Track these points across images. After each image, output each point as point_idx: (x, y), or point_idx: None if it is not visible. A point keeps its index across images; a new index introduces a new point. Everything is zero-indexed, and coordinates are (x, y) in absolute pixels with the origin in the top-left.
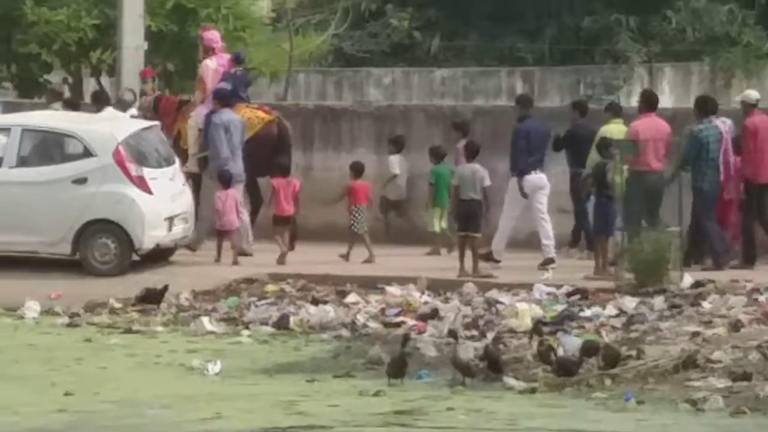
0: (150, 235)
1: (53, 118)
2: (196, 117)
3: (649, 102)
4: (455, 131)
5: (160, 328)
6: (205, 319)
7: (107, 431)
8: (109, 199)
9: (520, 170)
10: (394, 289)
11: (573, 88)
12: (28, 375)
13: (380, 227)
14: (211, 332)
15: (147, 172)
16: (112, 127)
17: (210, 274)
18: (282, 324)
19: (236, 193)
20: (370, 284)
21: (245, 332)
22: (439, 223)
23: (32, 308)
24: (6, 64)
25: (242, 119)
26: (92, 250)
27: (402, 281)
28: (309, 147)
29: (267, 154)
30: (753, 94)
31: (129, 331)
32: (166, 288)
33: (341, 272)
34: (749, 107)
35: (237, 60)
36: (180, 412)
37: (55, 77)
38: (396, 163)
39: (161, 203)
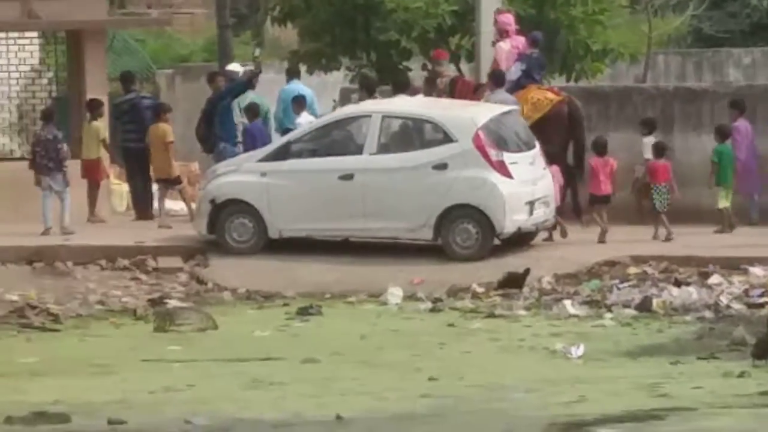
0: (511, 220)
1: (412, 105)
2: (495, 99)
3: None
4: (731, 109)
5: (522, 312)
6: (567, 303)
7: (473, 416)
8: (469, 184)
9: None
10: (757, 270)
11: None
12: (393, 361)
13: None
14: (574, 315)
15: (507, 157)
16: (472, 112)
17: (571, 257)
18: (645, 306)
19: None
20: (733, 265)
21: (608, 315)
22: (724, 200)
23: (395, 294)
24: (366, 52)
25: (532, 100)
26: (453, 235)
27: (764, 261)
28: (669, 129)
29: (560, 133)
30: None
31: (492, 315)
32: (527, 272)
33: (704, 253)
34: None
35: (534, 42)
36: (544, 395)
37: (414, 64)
38: (648, 145)
39: (522, 187)
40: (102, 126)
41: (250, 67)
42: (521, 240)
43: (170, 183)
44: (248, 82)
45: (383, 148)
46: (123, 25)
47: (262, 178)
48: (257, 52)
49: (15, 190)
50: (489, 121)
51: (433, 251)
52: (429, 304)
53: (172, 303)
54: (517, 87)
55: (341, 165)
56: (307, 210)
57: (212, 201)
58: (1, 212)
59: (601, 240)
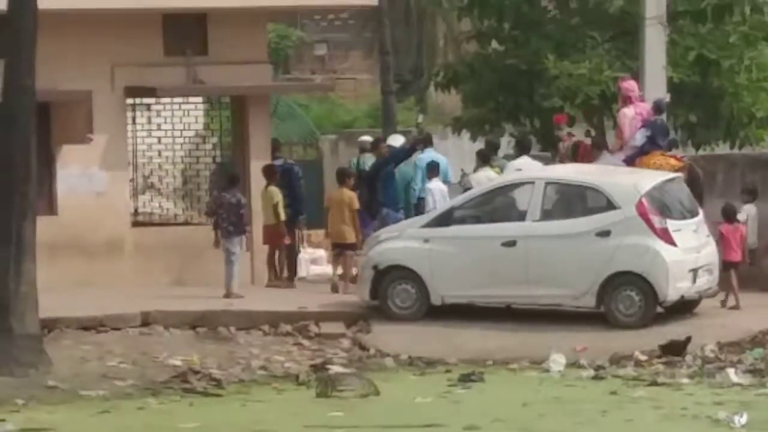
0: (675, 287)
1: (575, 171)
2: (604, 161)
3: None
4: None
5: (685, 381)
6: (730, 371)
7: None
8: (633, 252)
9: None
10: None
11: None
12: (555, 429)
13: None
14: (737, 384)
15: (671, 224)
16: (635, 179)
17: (735, 325)
18: None
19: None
20: None
21: None
22: None
23: (558, 361)
24: (529, 118)
25: (654, 166)
26: (617, 302)
27: None
28: None
29: None
30: None
31: (654, 383)
32: (689, 339)
33: None
34: None
35: (658, 109)
36: None
37: (577, 130)
38: (747, 211)
39: (685, 255)
40: (277, 191)
41: (414, 134)
42: (684, 307)
43: (347, 248)
44: (412, 149)
45: (546, 215)
46: (287, 91)
47: (425, 245)
48: (420, 118)
49: (179, 255)
50: (652, 188)
51: (596, 318)
52: (591, 372)
53: (335, 369)
54: (641, 153)
55: (504, 232)
56: (469, 276)
57: (375, 267)
58: (165, 276)
59: (735, 306)
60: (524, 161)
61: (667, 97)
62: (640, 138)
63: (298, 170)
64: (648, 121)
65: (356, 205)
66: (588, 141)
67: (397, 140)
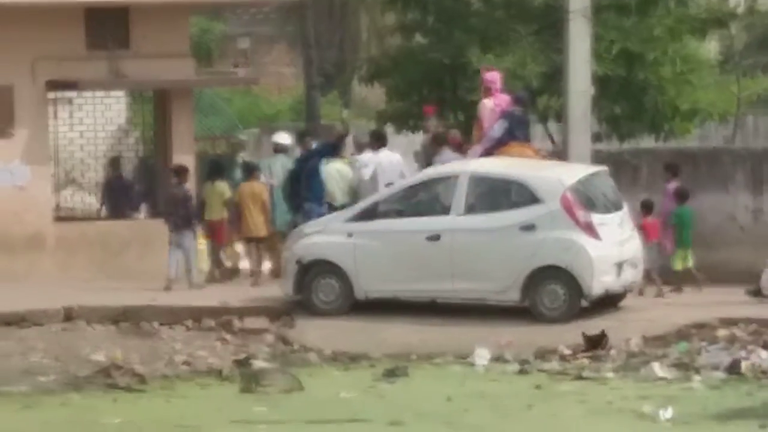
0: (599, 281)
1: (500, 165)
2: (471, 155)
3: None
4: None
5: (610, 375)
6: (655, 365)
7: None
8: (557, 245)
9: None
10: None
11: None
12: (479, 423)
13: None
14: (662, 378)
15: (595, 218)
16: (560, 172)
17: (659, 319)
18: (734, 369)
19: None
20: None
21: (696, 378)
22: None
23: (482, 356)
24: (453, 112)
25: (511, 157)
26: (541, 296)
27: None
28: (758, 190)
29: None
30: None
31: (579, 377)
32: (603, 334)
33: None
34: None
35: (517, 101)
36: None
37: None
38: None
39: (610, 249)
40: (226, 187)
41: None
42: (609, 301)
43: (260, 241)
44: (337, 144)
45: (470, 209)
46: (210, 84)
47: (349, 239)
48: (345, 113)
49: (101, 250)
50: (577, 182)
51: (521, 313)
52: (516, 366)
53: (258, 364)
54: (499, 144)
55: (428, 226)
56: (393, 271)
57: (299, 261)
58: (88, 272)
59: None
60: (371, 156)
61: (592, 91)
62: (498, 129)
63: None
64: (506, 112)
65: (266, 196)
66: (454, 134)
67: (283, 138)
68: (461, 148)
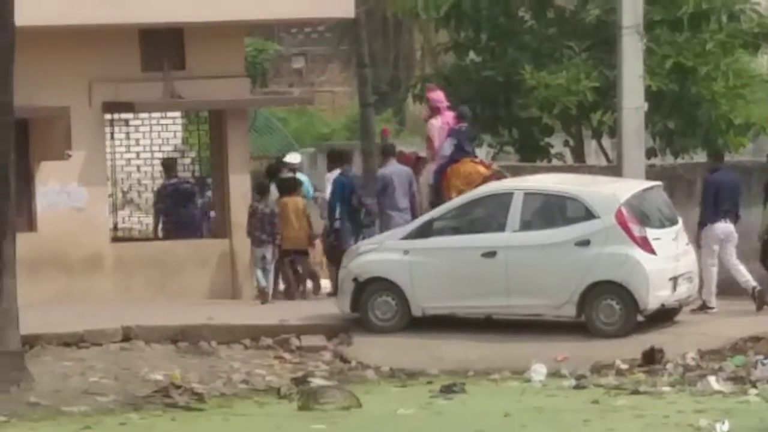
0: (655, 296)
1: (554, 181)
2: (426, 174)
3: None
4: None
5: (667, 389)
6: (711, 379)
7: None
8: (612, 261)
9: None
10: None
11: None
12: None
13: None
14: (719, 392)
15: (650, 233)
16: (615, 188)
17: (716, 333)
18: None
19: None
20: None
21: (753, 391)
22: None
23: (539, 371)
24: (508, 129)
25: (464, 174)
26: (597, 311)
27: None
28: None
29: None
30: None
31: (636, 392)
32: (654, 349)
33: None
34: None
35: (461, 116)
36: None
37: (555, 140)
38: None
39: (665, 263)
40: (303, 202)
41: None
42: (665, 316)
43: (300, 254)
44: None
45: (526, 225)
46: (265, 104)
47: (405, 256)
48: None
49: (159, 270)
50: (631, 197)
51: (577, 328)
52: (573, 381)
53: (316, 381)
54: (451, 161)
55: (484, 242)
56: (449, 287)
57: (355, 279)
58: (145, 292)
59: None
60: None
61: (645, 106)
62: (447, 147)
63: (194, 189)
64: (453, 129)
65: (308, 211)
66: (410, 152)
67: (293, 158)
68: (417, 166)
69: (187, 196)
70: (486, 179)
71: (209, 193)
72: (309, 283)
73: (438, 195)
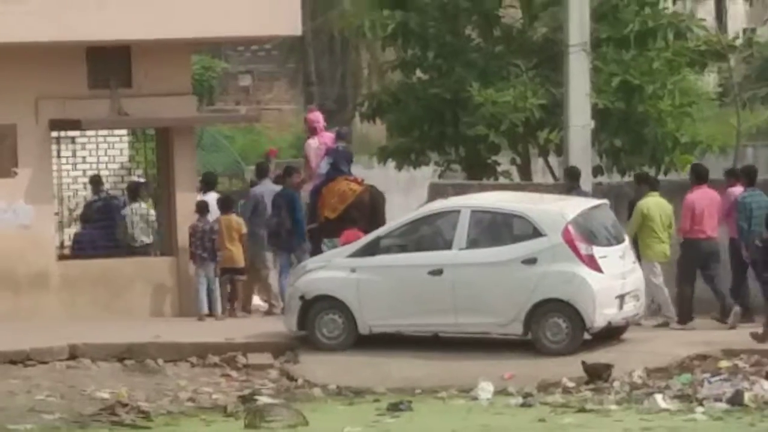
0: (601, 314)
1: (501, 199)
2: (303, 193)
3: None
4: None
5: (613, 407)
6: (658, 397)
7: None
8: (559, 279)
9: None
10: None
11: None
12: None
13: None
14: (665, 410)
15: (597, 251)
16: (562, 206)
17: (662, 351)
18: (736, 400)
19: None
20: None
21: (699, 409)
22: None
23: (486, 389)
24: (454, 147)
25: (338, 192)
26: (544, 329)
27: None
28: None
29: (363, 219)
30: None
31: (582, 410)
32: (608, 366)
33: None
34: None
35: (339, 136)
36: None
37: (502, 158)
38: None
39: (612, 281)
40: (241, 220)
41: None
42: (612, 334)
43: (236, 273)
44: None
45: (472, 243)
46: (212, 122)
47: (352, 274)
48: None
49: (106, 288)
50: (578, 216)
51: (524, 346)
52: (520, 399)
53: (263, 399)
54: (327, 180)
55: (430, 260)
56: (396, 305)
57: (302, 297)
58: (92, 309)
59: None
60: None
61: (592, 124)
62: (324, 166)
63: (119, 202)
64: (330, 149)
65: (244, 229)
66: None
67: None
68: (299, 186)
69: (114, 211)
70: (358, 194)
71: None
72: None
73: (314, 213)
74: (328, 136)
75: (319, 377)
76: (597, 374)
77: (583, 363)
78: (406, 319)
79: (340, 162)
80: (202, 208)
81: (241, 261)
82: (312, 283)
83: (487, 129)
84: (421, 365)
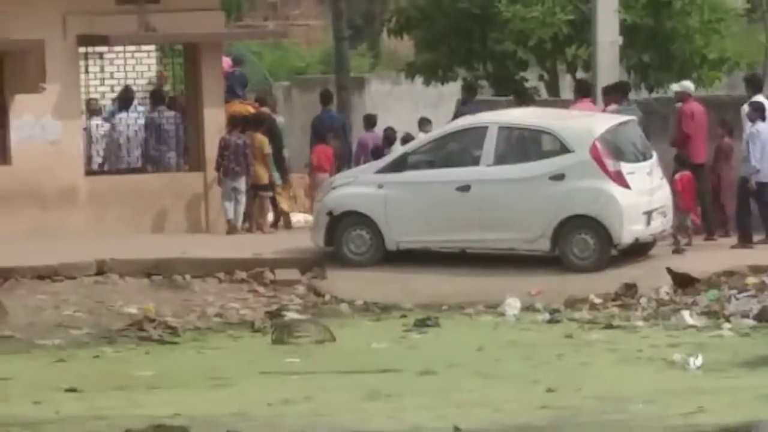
0: (629, 230)
1: (529, 115)
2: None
3: None
4: None
5: (640, 323)
6: (685, 313)
7: (590, 427)
8: (587, 195)
9: None
10: None
11: None
12: (510, 372)
13: None
14: (692, 326)
15: (624, 167)
16: (589, 122)
17: (690, 267)
18: (763, 316)
19: None
20: None
21: (726, 325)
22: None
23: (513, 305)
24: (482, 63)
25: (232, 113)
26: (571, 246)
27: None
28: None
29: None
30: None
31: (609, 326)
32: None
33: None
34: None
35: (236, 61)
36: (663, 406)
37: (530, 74)
38: None
39: (639, 197)
40: (265, 140)
41: None
42: (639, 250)
43: (262, 189)
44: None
45: (500, 159)
46: (240, 38)
47: (379, 190)
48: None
49: (133, 203)
50: (606, 132)
51: (551, 262)
52: (546, 315)
53: (290, 315)
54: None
55: (458, 176)
56: (424, 222)
57: (329, 213)
58: (120, 225)
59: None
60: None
61: (620, 40)
62: None
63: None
64: (226, 73)
65: (268, 149)
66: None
67: None
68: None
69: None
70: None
71: None
72: (270, 217)
73: None
74: (226, 61)
75: (347, 293)
76: (685, 283)
77: (669, 270)
78: (433, 236)
79: (235, 85)
80: (234, 123)
81: (265, 178)
82: (339, 199)
83: (515, 45)
84: (448, 281)
